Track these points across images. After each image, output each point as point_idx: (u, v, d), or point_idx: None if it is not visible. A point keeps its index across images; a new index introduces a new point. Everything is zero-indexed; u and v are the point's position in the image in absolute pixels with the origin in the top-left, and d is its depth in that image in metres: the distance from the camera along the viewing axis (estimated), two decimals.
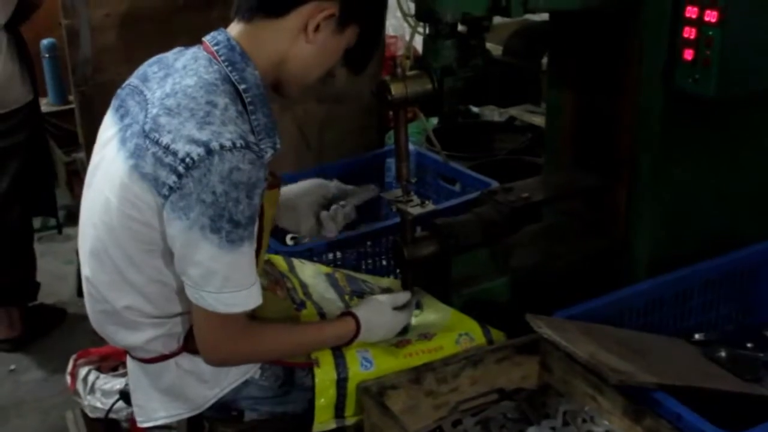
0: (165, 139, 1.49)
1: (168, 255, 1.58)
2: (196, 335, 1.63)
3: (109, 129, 1.67)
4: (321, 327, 1.80)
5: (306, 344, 1.75)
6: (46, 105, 4.26)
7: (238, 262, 1.53)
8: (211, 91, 1.53)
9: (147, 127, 1.52)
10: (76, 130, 3.12)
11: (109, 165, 1.61)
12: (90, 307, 1.74)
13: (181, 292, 1.62)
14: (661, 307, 1.98)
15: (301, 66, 1.66)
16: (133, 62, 1.75)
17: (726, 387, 1.72)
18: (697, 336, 1.96)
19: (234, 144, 1.47)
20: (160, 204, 1.50)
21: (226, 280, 1.53)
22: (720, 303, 2.07)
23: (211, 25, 1.67)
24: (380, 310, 1.81)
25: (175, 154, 1.47)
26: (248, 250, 1.55)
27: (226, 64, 1.59)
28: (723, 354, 1.85)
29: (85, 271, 1.71)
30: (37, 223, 3.82)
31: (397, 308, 1.83)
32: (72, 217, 3.90)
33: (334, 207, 2.03)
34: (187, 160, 1.46)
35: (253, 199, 1.51)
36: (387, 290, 2.02)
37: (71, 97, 3.97)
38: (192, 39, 1.68)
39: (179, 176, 1.47)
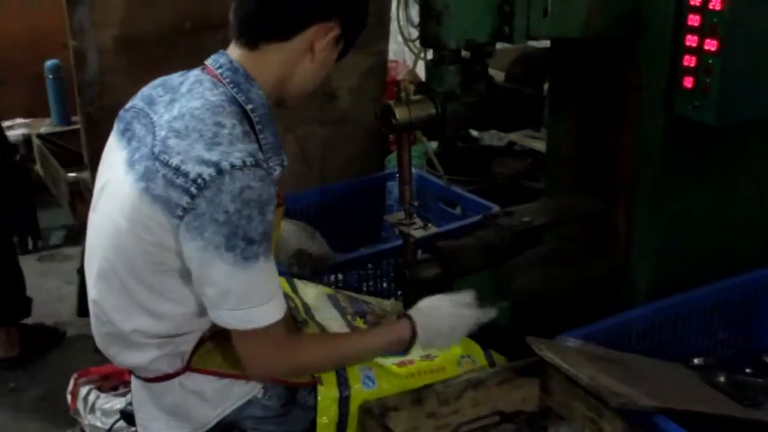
0: (175, 161, 1.50)
1: (182, 275, 1.59)
2: (237, 350, 1.63)
3: (114, 152, 1.68)
4: (369, 335, 1.81)
5: (354, 355, 1.75)
6: (48, 126, 4.28)
7: (254, 279, 1.54)
8: (217, 112, 1.55)
9: (156, 150, 1.54)
10: (78, 151, 3.12)
11: (116, 188, 1.61)
12: (96, 328, 1.75)
13: (192, 311, 1.63)
14: (660, 332, 1.99)
15: (304, 81, 1.69)
16: (139, 84, 1.76)
17: (725, 412, 1.73)
18: (695, 361, 1.97)
19: (244, 162, 1.49)
20: (175, 225, 1.52)
21: (242, 297, 1.54)
22: (719, 328, 2.08)
23: (216, 48, 1.69)
24: (437, 308, 1.80)
25: (186, 175, 1.49)
26: (264, 265, 1.55)
27: (231, 85, 1.61)
28: (722, 379, 1.86)
29: (92, 294, 1.71)
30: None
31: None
32: (73, 236, 3.91)
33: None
34: (199, 180, 1.48)
35: (266, 215, 1.52)
36: (389, 311, 2.03)
37: (74, 118, 3.99)
38: (198, 61, 1.69)
39: (192, 197, 1.48)
